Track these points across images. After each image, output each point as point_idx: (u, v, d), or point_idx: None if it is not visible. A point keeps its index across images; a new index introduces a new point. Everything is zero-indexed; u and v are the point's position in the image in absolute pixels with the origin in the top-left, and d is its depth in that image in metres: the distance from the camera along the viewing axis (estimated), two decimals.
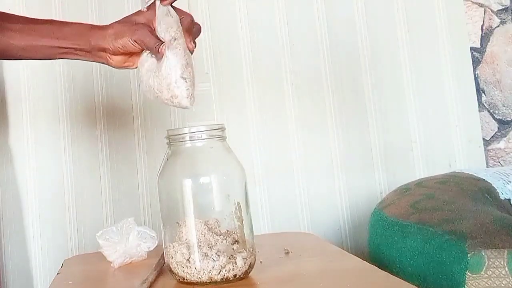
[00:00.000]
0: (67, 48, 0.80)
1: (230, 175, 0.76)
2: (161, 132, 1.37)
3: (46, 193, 1.37)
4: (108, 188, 1.38)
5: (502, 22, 1.53)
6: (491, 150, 1.50)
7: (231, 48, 1.45)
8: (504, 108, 1.51)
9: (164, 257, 0.77)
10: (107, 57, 0.78)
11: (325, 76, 1.46)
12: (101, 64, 0.81)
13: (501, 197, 1.19)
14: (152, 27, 0.75)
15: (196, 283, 0.72)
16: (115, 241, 0.90)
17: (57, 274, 0.90)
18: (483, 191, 1.17)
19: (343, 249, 1.05)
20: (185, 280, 0.73)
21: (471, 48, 1.51)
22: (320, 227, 1.41)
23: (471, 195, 1.12)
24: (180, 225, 0.74)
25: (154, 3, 0.76)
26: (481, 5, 1.53)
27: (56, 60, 0.84)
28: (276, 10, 1.46)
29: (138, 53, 0.78)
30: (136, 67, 0.79)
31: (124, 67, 0.80)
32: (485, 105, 1.50)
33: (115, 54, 0.78)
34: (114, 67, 0.80)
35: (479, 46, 1.52)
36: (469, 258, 0.82)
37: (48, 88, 1.39)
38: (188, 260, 0.72)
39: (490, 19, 1.53)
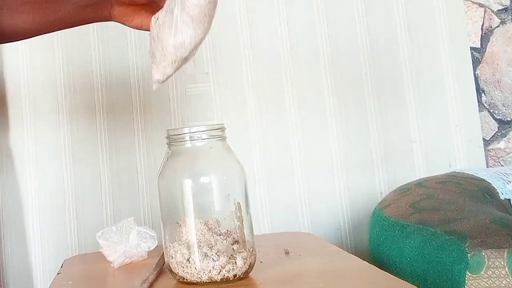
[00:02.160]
0: (74, 5, 0.79)
1: (230, 175, 0.76)
2: (161, 132, 1.37)
3: (46, 193, 1.37)
4: (108, 188, 1.38)
5: (502, 22, 1.53)
6: (491, 150, 1.50)
7: (231, 48, 1.45)
8: (504, 108, 1.51)
9: (164, 257, 0.77)
10: (110, 7, 0.78)
11: (325, 76, 1.46)
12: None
13: (501, 197, 1.19)
14: None
15: (196, 283, 0.72)
16: (115, 241, 0.90)
17: (57, 274, 0.90)
18: (483, 191, 1.17)
19: (343, 249, 1.05)
20: (185, 280, 0.73)
21: (471, 48, 1.51)
22: (320, 227, 1.41)
23: (471, 195, 1.12)
24: (180, 225, 0.74)
25: None
26: (481, 5, 1.53)
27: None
28: (276, 10, 1.47)
29: (139, 11, 0.77)
30: (134, 26, 0.78)
31: (122, 21, 0.79)
32: (485, 105, 1.50)
33: (120, 5, 0.77)
34: (113, 20, 0.80)
35: (479, 46, 1.52)
36: (469, 258, 0.82)
37: (48, 88, 1.39)
38: (188, 260, 0.72)
39: (490, 19, 1.53)
